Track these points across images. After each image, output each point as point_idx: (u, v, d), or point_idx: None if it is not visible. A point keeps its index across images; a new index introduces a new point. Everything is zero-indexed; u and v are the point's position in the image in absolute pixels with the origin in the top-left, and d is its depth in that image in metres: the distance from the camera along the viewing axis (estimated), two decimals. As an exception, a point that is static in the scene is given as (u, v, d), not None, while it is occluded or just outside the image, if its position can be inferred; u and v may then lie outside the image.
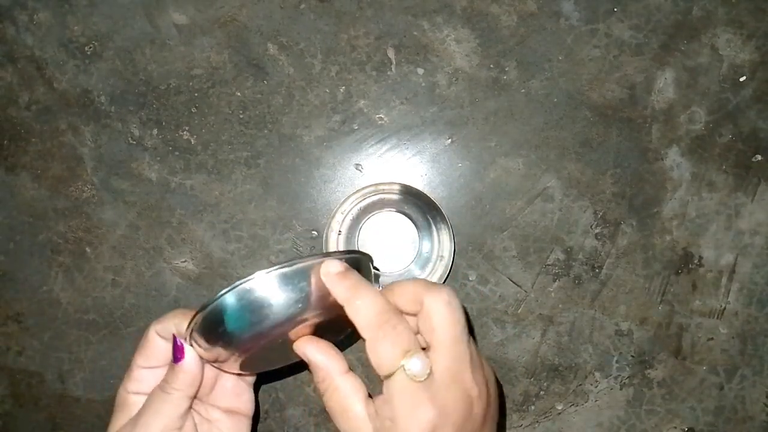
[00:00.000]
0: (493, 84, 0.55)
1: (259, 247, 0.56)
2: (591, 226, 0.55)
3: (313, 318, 0.37)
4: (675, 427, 0.56)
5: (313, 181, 0.56)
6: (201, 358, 0.38)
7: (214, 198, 0.56)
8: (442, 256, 0.54)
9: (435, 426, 0.33)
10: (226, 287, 0.34)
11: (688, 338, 0.55)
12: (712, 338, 0.55)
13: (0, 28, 0.56)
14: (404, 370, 0.33)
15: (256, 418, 0.45)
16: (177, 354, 0.38)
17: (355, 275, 0.36)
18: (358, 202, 0.54)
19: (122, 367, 0.42)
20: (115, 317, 0.56)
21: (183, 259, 0.56)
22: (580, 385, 0.56)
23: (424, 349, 0.35)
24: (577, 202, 0.55)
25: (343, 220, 0.54)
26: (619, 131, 0.55)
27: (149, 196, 0.56)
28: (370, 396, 0.37)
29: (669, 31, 0.55)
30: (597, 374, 0.56)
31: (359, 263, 0.38)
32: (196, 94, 0.56)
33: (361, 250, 0.48)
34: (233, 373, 0.42)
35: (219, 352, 0.37)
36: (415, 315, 0.36)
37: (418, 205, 0.54)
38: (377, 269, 0.53)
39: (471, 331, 0.36)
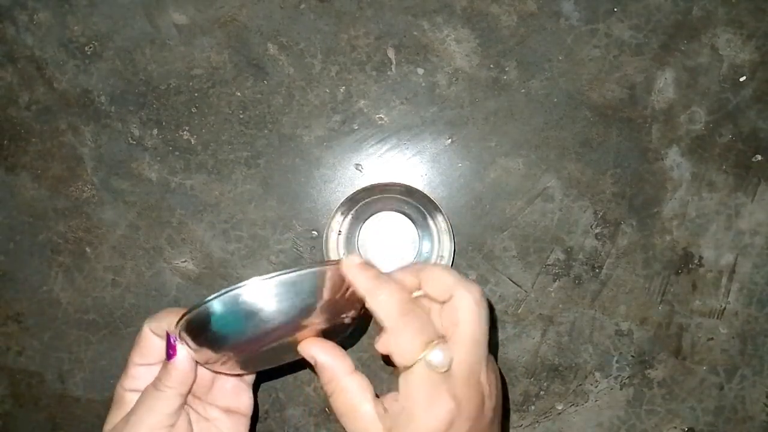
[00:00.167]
0: (493, 84, 0.55)
1: (259, 247, 0.56)
2: (591, 226, 0.55)
3: (308, 325, 0.36)
4: (675, 427, 0.56)
5: (313, 181, 0.56)
6: (196, 356, 0.38)
7: (214, 198, 0.56)
8: (442, 256, 0.54)
9: (452, 419, 0.33)
10: (219, 290, 0.34)
11: (688, 338, 0.55)
12: (712, 338, 0.55)
13: (0, 28, 0.56)
14: (425, 361, 0.33)
15: (255, 418, 0.45)
16: (169, 351, 0.38)
17: (375, 267, 0.36)
18: (358, 202, 0.54)
19: (122, 367, 0.42)
20: (115, 317, 0.56)
21: (183, 259, 0.56)
22: (580, 385, 0.56)
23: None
24: (577, 202, 0.55)
25: (343, 220, 0.54)
26: (619, 131, 0.55)
27: (149, 196, 0.56)
28: (377, 396, 0.37)
29: (669, 31, 0.55)
30: (597, 374, 0.56)
31: None
32: (196, 94, 0.56)
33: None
34: (227, 374, 0.42)
35: (208, 354, 0.36)
36: (439, 303, 0.36)
37: (418, 205, 0.54)
38: None
39: (490, 330, 0.36)
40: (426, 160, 0.55)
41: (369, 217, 0.54)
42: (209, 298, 0.34)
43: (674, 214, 0.55)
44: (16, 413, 0.57)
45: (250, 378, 0.44)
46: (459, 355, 0.34)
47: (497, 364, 0.56)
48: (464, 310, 0.35)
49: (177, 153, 0.56)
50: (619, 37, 0.55)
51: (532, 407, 0.56)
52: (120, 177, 0.56)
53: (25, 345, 0.57)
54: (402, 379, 0.34)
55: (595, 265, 0.55)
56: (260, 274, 0.56)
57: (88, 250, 0.56)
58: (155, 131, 0.56)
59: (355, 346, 0.55)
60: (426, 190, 0.54)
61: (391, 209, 0.54)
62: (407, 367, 0.34)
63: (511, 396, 0.56)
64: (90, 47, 0.56)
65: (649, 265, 0.55)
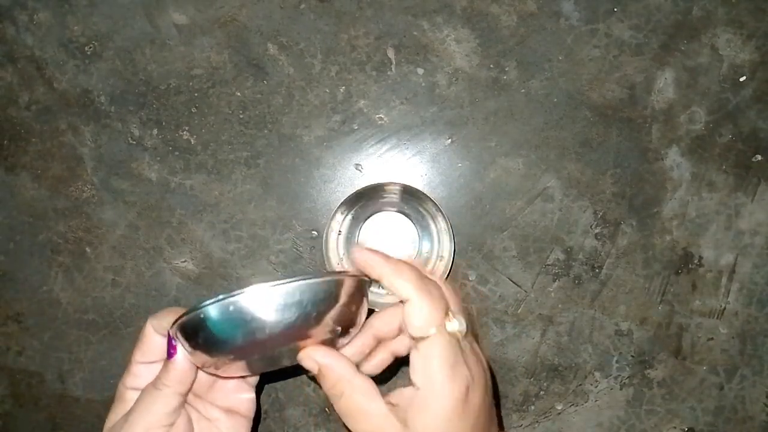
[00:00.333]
0: (493, 84, 0.55)
1: (259, 247, 0.56)
2: (591, 226, 0.55)
3: (306, 336, 0.36)
4: (675, 427, 0.56)
5: (313, 181, 0.56)
6: (193, 359, 0.38)
7: (214, 198, 0.56)
8: (442, 256, 0.54)
9: (468, 386, 0.35)
10: (218, 294, 0.34)
11: (688, 338, 0.55)
12: (712, 338, 0.55)
13: (0, 28, 0.56)
14: (446, 328, 0.35)
15: (256, 420, 0.45)
16: (170, 350, 0.38)
17: (383, 252, 0.38)
18: (358, 202, 0.54)
19: (122, 367, 0.42)
20: (115, 317, 0.56)
21: (183, 259, 0.56)
22: (580, 385, 0.56)
23: None
24: (577, 202, 0.55)
25: (343, 220, 0.54)
26: (619, 131, 0.55)
27: (149, 196, 0.56)
28: None
29: (669, 31, 0.55)
30: (597, 374, 0.56)
31: (362, 284, 0.38)
32: (196, 94, 0.56)
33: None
34: (221, 377, 0.42)
35: (203, 357, 0.36)
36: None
37: (418, 205, 0.54)
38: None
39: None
40: (426, 160, 0.55)
41: (369, 217, 0.54)
42: (204, 303, 0.34)
43: (674, 214, 0.55)
44: (16, 413, 0.57)
45: (253, 379, 0.44)
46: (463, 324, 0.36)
47: (497, 365, 0.56)
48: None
49: (177, 153, 0.56)
50: (619, 37, 0.55)
51: (532, 407, 0.56)
52: (120, 177, 0.56)
53: (25, 345, 0.57)
54: (419, 354, 0.35)
55: (595, 265, 0.55)
56: (260, 274, 0.56)
57: (88, 250, 0.56)
58: (155, 131, 0.56)
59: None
60: (426, 190, 0.54)
61: (391, 209, 0.54)
62: (423, 339, 0.35)
63: (511, 396, 0.56)
64: (90, 47, 0.56)
65: (649, 265, 0.55)
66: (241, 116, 0.56)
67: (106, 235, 0.56)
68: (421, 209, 0.54)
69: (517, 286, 0.55)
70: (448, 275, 0.53)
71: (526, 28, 0.55)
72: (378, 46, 0.55)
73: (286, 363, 0.39)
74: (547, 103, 0.55)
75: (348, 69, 0.55)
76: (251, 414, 0.43)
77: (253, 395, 0.43)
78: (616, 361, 0.55)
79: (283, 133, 0.56)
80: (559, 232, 0.55)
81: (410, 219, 0.54)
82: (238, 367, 0.38)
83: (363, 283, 0.38)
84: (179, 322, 0.36)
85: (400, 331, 0.39)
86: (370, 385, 0.36)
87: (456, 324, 0.35)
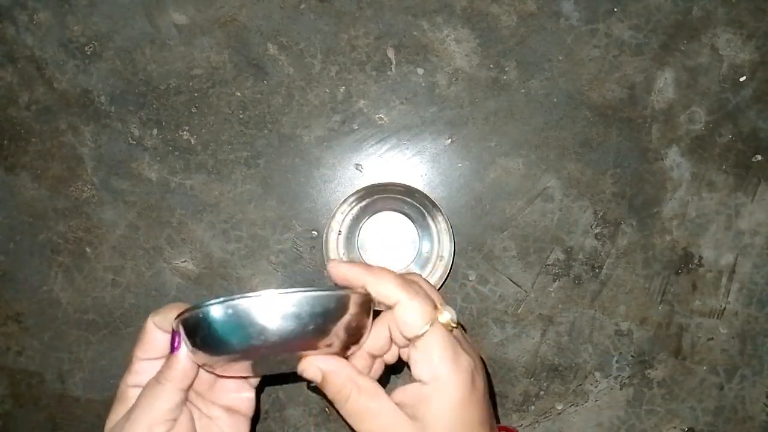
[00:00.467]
0: (493, 84, 0.55)
1: (259, 247, 0.56)
2: (591, 226, 0.55)
3: (309, 348, 0.36)
4: (675, 427, 0.56)
5: (313, 181, 0.56)
6: (195, 358, 0.38)
7: (214, 198, 0.56)
8: (442, 256, 0.54)
9: (473, 371, 0.35)
10: (226, 294, 0.34)
11: (688, 338, 0.55)
12: (712, 338, 0.55)
13: (0, 28, 0.56)
14: (439, 321, 0.36)
15: (255, 419, 0.45)
16: (173, 344, 0.38)
17: (361, 262, 0.39)
18: (358, 202, 0.54)
19: (122, 367, 0.42)
20: (115, 317, 0.56)
21: (183, 259, 0.56)
22: (580, 385, 0.56)
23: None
24: (577, 202, 0.55)
25: (343, 220, 0.54)
26: (619, 131, 0.55)
27: (149, 196, 0.56)
28: None
29: (669, 31, 0.55)
30: (597, 374, 0.56)
31: (370, 299, 0.37)
32: (196, 94, 0.56)
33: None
34: (222, 377, 0.42)
35: (203, 356, 0.36)
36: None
37: (418, 205, 0.54)
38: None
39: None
40: (426, 160, 0.55)
41: (369, 217, 0.54)
42: (211, 301, 0.34)
43: (674, 214, 0.55)
44: (16, 413, 0.57)
45: (255, 380, 0.44)
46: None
47: (497, 365, 0.56)
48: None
49: (177, 153, 0.56)
50: (619, 37, 0.55)
51: (532, 407, 0.56)
52: (120, 177, 0.56)
53: (25, 345, 0.57)
54: (418, 352, 0.35)
55: (595, 265, 0.55)
56: (260, 274, 0.56)
57: (88, 250, 0.56)
58: (155, 131, 0.56)
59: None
60: (426, 190, 0.54)
61: (391, 209, 0.54)
62: (419, 337, 0.35)
63: (511, 396, 0.56)
64: (90, 47, 0.56)
65: (649, 265, 0.55)
66: (241, 116, 0.56)
67: (106, 235, 0.56)
68: (421, 209, 0.54)
69: (517, 286, 0.55)
70: (448, 275, 0.53)
71: (526, 28, 0.55)
72: (378, 46, 0.55)
73: (286, 369, 0.39)
74: (547, 103, 0.55)
75: (348, 69, 0.55)
76: (251, 413, 0.43)
77: (253, 394, 0.43)
78: (616, 361, 0.55)
79: (283, 133, 0.56)
80: (559, 232, 0.55)
81: (410, 219, 0.54)
82: (238, 369, 0.38)
83: (370, 299, 0.38)
84: (182, 318, 0.35)
85: (392, 342, 0.39)
86: (375, 385, 0.37)
87: (447, 315, 0.36)
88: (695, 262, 0.55)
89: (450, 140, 0.55)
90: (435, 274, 0.54)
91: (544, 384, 0.56)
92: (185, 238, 0.56)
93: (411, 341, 0.36)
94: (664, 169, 0.55)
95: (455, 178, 0.55)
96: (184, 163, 0.56)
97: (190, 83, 0.56)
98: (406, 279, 0.37)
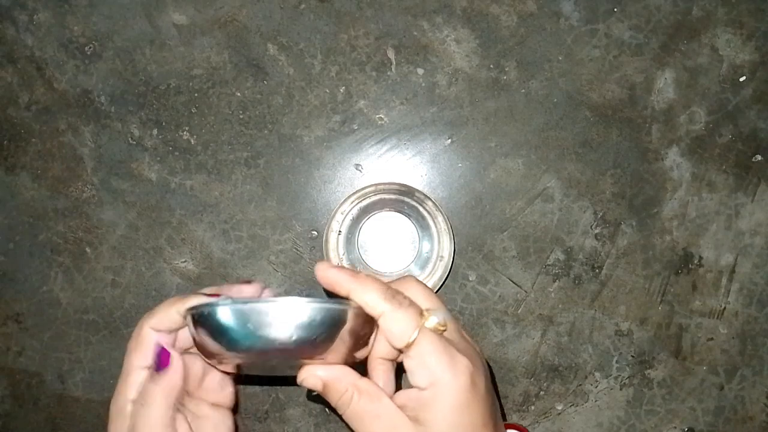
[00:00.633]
0: (493, 84, 0.55)
1: (259, 248, 0.56)
2: (591, 226, 0.55)
3: (317, 356, 0.36)
4: (675, 427, 0.56)
5: (313, 181, 0.56)
6: (197, 347, 0.38)
7: (214, 198, 0.56)
8: (442, 257, 0.54)
9: (472, 373, 0.35)
10: (239, 299, 0.34)
11: (688, 338, 0.55)
12: (712, 338, 0.55)
13: (0, 28, 0.56)
14: (427, 327, 0.35)
15: (234, 411, 0.45)
16: (163, 359, 0.37)
17: (348, 268, 0.38)
18: (358, 202, 0.54)
19: (122, 367, 0.41)
20: (115, 317, 0.56)
21: (183, 259, 0.56)
22: (580, 385, 0.56)
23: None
24: (577, 202, 0.55)
25: (343, 220, 0.54)
26: (619, 131, 0.55)
27: (149, 196, 0.56)
28: None
29: (669, 31, 0.55)
30: (597, 374, 0.56)
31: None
32: (196, 94, 0.56)
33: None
34: (221, 371, 0.42)
35: (209, 349, 0.36)
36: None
37: (418, 205, 0.54)
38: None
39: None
40: (426, 160, 0.55)
41: (369, 217, 0.54)
42: (235, 299, 0.34)
43: (674, 214, 0.55)
44: (16, 413, 0.57)
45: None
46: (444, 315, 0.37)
47: (497, 365, 0.56)
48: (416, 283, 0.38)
49: (177, 153, 0.56)
50: (619, 37, 0.55)
51: (532, 407, 0.56)
52: (120, 177, 0.56)
53: (25, 345, 0.57)
54: (411, 359, 0.35)
55: (595, 266, 0.55)
56: (260, 275, 0.56)
57: (88, 250, 0.56)
58: (155, 131, 0.56)
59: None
60: (426, 191, 0.54)
61: (391, 209, 0.54)
62: (410, 345, 0.35)
63: (511, 396, 0.56)
64: (90, 47, 0.56)
65: (649, 265, 0.55)
66: (241, 116, 0.56)
67: (106, 235, 0.56)
68: (421, 209, 0.54)
69: (517, 286, 0.55)
70: (448, 275, 0.53)
71: (526, 28, 0.55)
72: (378, 46, 0.55)
73: (280, 373, 0.39)
74: (547, 104, 0.55)
75: (348, 69, 0.55)
76: (232, 404, 0.44)
77: (233, 386, 0.44)
78: (616, 362, 0.55)
79: (283, 134, 0.56)
80: (559, 232, 0.55)
81: (410, 219, 0.54)
82: (241, 367, 0.38)
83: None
84: (199, 310, 0.35)
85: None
86: (377, 387, 0.36)
87: (434, 319, 0.36)
88: (695, 262, 0.55)
89: (450, 140, 0.55)
90: (435, 274, 0.54)
91: (544, 384, 0.56)
92: (185, 239, 0.56)
93: (403, 351, 0.35)
94: (664, 170, 0.55)
95: (455, 178, 0.55)
96: (184, 164, 0.56)
97: (190, 83, 0.56)
98: (391, 288, 0.36)
